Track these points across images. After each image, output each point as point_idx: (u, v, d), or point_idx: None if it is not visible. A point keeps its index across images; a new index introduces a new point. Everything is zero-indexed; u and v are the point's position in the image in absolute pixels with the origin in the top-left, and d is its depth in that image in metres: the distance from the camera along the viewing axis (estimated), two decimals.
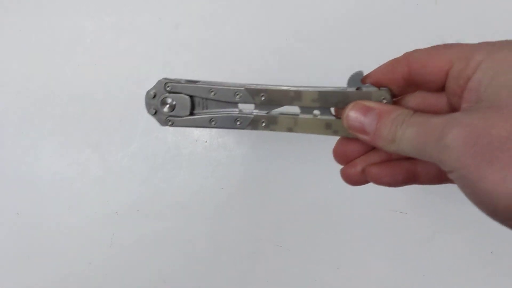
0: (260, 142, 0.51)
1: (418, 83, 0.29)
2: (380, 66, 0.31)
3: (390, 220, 0.51)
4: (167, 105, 0.34)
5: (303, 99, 0.31)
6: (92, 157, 0.52)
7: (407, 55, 0.29)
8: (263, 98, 0.32)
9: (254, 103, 0.33)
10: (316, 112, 0.32)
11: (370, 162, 0.32)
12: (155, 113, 0.34)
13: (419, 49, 0.29)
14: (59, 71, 0.51)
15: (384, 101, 0.30)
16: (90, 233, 0.54)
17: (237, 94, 0.32)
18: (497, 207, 0.23)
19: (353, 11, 0.49)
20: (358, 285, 0.53)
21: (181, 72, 0.50)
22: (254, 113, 0.33)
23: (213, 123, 0.34)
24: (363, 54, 0.48)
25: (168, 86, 0.33)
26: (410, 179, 0.32)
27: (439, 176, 0.31)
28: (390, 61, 0.30)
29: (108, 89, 0.51)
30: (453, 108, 0.29)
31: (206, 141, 0.52)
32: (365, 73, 0.31)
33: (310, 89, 0.31)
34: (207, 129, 0.51)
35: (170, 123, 0.34)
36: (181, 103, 0.33)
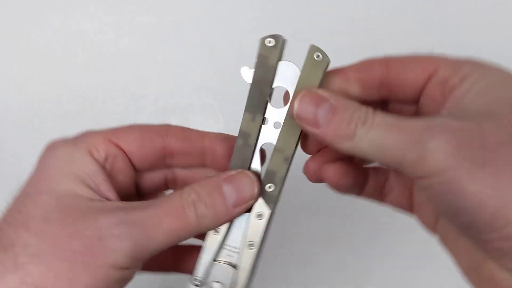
0: None
1: (393, 86, 0.28)
2: (355, 63, 0.29)
3: (391, 220, 0.51)
4: None
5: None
6: None
7: (387, 57, 0.28)
8: None
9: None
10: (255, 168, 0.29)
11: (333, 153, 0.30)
12: None
13: (401, 55, 0.28)
14: (59, 71, 0.51)
15: (320, 57, 0.28)
16: None
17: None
18: (480, 213, 0.21)
19: (353, 12, 0.49)
20: (359, 285, 0.53)
21: (180, 72, 0.50)
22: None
23: None
24: (363, 54, 0.48)
25: None
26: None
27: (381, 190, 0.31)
28: (367, 59, 0.29)
29: (108, 89, 0.51)
30: (414, 113, 0.28)
31: None
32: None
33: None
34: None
35: None
36: None
